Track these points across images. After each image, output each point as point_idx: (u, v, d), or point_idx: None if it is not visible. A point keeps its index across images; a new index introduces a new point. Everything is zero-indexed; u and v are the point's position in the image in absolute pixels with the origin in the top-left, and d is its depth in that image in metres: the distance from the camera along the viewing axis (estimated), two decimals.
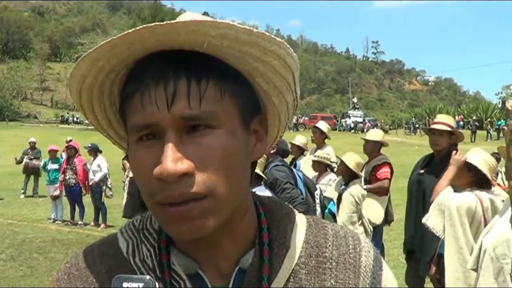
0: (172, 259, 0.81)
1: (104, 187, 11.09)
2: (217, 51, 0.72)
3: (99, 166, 11.06)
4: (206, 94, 0.71)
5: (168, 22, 0.67)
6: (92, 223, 11.11)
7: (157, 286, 0.72)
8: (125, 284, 0.70)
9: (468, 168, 3.74)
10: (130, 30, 0.67)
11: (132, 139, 0.74)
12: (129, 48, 0.70)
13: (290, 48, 0.76)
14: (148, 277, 0.72)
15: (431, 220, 3.81)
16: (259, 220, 0.84)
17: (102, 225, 10.88)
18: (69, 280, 0.83)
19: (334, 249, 0.85)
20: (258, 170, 3.68)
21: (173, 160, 0.68)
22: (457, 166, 3.83)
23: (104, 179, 11.06)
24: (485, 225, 3.51)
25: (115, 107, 0.82)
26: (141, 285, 0.70)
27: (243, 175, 0.78)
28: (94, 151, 11.23)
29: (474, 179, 3.71)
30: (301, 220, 0.88)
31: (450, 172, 3.86)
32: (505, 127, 1.83)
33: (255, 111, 0.81)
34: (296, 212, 0.90)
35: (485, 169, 3.67)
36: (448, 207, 3.62)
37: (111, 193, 11.20)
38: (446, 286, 3.66)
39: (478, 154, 3.80)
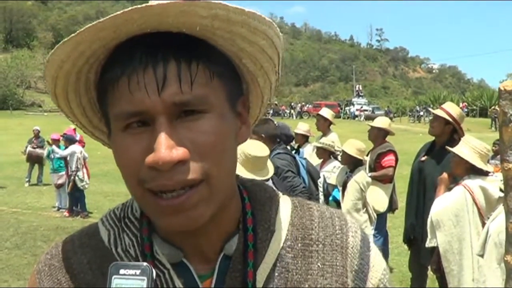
0: (155, 248, 0.79)
1: (71, 178, 10.64)
2: (206, 32, 0.70)
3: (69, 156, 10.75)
4: (196, 77, 0.69)
5: (159, 2, 0.63)
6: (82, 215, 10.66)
7: (154, 272, 0.70)
8: (122, 271, 0.69)
9: (461, 159, 3.88)
10: (118, 12, 0.63)
11: (117, 127, 0.71)
12: (114, 31, 0.66)
13: (278, 28, 0.73)
14: (145, 264, 0.70)
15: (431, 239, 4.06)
16: (243, 205, 0.82)
17: (65, 213, 10.71)
18: (50, 272, 0.82)
19: (320, 231, 0.83)
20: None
21: (167, 148, 0.66)
22: (445, 185, 4.08)
23: (75, 169, 10.63)
24: (478, 210, 3.79)
25: (90, 94, 0.79)
26: (138, 271, 0.68)
27: (234, 160, 0.76)
28: (69, 141, 11.02)
29: (469, 166, 3.88)
30: (286, 202, 0.86)
31: (440, 192, 4.09)
32: (497, 108, 1.81)
33: (239, 93, 0.79)
34: (280, 194, 0.87)
35: (474, 159, 3.83)
36: (432, 218, 3.96)
37: (82, 183, 10.68)
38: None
39: (467, 144, 3.92)
